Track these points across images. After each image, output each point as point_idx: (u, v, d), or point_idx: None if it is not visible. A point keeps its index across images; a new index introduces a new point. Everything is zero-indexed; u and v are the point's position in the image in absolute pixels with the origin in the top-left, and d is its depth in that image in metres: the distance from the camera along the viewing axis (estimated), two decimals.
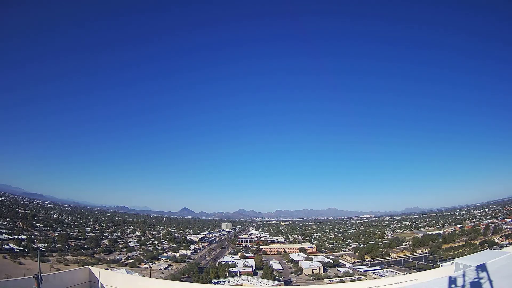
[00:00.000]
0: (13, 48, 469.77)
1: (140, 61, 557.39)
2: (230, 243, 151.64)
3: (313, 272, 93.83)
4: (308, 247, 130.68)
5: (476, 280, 7.78)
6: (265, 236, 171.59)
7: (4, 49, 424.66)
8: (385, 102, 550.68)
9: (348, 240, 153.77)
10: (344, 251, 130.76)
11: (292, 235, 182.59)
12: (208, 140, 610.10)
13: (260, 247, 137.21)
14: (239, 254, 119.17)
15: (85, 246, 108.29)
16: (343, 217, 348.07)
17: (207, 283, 61.73)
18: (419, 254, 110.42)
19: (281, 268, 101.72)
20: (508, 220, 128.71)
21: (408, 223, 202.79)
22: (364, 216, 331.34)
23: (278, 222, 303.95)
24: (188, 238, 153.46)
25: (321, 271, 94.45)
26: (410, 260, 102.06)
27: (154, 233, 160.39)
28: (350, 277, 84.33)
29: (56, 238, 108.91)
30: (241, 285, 70.50)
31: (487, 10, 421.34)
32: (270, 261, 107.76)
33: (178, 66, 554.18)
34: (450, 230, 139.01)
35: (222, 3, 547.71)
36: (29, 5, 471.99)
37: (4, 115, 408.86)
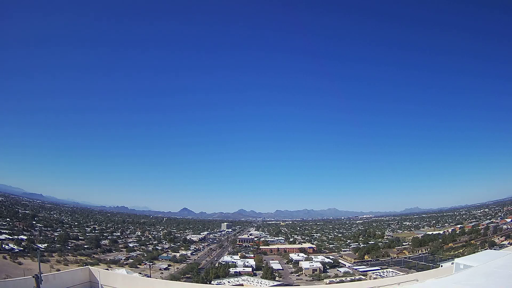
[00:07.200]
0: (11, 48, 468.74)
1: (140, 60, 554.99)
2: (230, 243, 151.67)
3: (313, 272, 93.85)
4: (308, 247, 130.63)
5: (476, 280, 7.78)
6: (265, 236, 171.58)
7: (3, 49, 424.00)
8: (384, 102, 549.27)
9: (348, 240, 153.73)
10: (344, 251, 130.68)
11: (292, 235, 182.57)
12: (208, 140, 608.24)
13: (260, 247, 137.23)
14: (239, 254, 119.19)
15: (85, 246, 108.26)
16: (343, 217, 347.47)
17: (207, 283, 61.70)
18: (419, 254, 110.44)
19: (281, 268, 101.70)
20: (508, 220, 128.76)
21: (408, 223, 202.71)
22: (364, 216, 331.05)
23: (278, 222, 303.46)
24: (188, 238, 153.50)
25: (321, 271, 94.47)
26: (410, 260, 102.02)
27: (154, 233, 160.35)
28: (350, 277, 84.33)
29: (56, 238, 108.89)
30: (241, 285, 70.47)
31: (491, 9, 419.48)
32: (270, 261, 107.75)
33: (175, 66, 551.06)
34: (450, 230, 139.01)
35: None
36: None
37: (4, 115, 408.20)
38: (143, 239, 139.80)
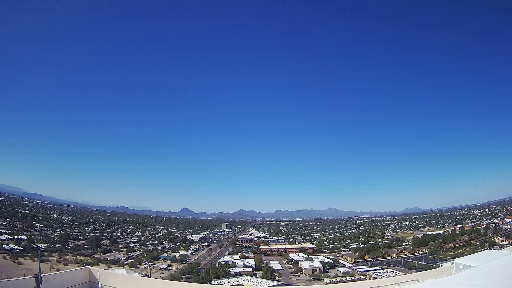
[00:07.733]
0: (11, 45, 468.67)
1: (139, 59, 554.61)
2: (230, 243, 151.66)
3: (313, 272, 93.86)
4: (308, 247, 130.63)
5: (476, 280, 7.78)
6: (265, 236, 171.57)
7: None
8: (384, 102, 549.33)
9: (348, 240, 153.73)
10: (344, 251, 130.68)
11: (292, 235, 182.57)
12: (208, 140, 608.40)
13: (260, 247, 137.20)
14: (239, 254, 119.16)
15: (85, 246, 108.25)
16: (343, 217, 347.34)
17: (207, 283, 61.69)
18: (419, 254, 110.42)
19: (281, 268, 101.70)
20: (508, 220, 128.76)
21: (408, 223, 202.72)
22: (364, 216, 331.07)
23: (278, 222, 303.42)
24: (188, 238, 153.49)
25: (321, 271, 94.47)
26: (410, 260, 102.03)
27: (154, 233, 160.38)
28: (350, 277, 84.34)
29: (56, 238, 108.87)
30: (241, 285, 70.50)
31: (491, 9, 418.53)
32: (270, 261, 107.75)
33: (175, 64, 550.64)
34: (450, 230, 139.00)
35: None
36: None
37: (4, 115, 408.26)
38: (143, 239, 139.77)
